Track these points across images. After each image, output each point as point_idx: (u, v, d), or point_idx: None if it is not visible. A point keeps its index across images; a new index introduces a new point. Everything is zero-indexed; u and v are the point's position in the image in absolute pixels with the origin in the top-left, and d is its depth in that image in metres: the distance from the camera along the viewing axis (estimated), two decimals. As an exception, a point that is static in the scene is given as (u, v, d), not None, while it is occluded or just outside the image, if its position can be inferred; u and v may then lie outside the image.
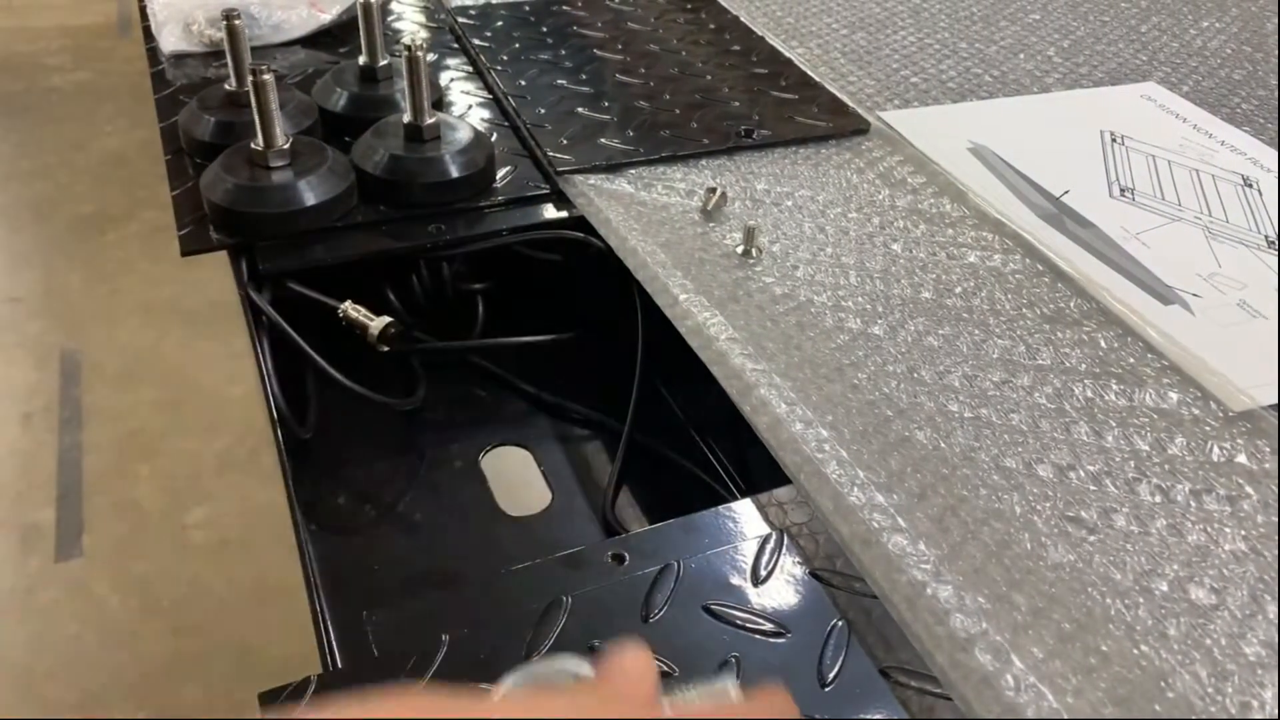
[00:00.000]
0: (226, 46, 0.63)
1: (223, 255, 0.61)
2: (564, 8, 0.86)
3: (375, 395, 0.58)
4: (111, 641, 1.41)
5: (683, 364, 0.53)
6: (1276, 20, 0.89)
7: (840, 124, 0.71)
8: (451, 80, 0.76)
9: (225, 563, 1.53)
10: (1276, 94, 0.77)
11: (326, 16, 0.81)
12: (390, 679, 0.37)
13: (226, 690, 1.35)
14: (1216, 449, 0.47)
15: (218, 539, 1.57)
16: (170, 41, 0.78)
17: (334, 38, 0.80)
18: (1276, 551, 0.42)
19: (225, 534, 1.57)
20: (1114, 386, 0.50)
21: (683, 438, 0.65)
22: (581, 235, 0.61)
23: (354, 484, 0.60)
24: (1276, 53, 0.83)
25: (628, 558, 0.43)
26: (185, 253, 0.58)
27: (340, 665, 0.42)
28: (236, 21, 0.62)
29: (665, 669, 0.37)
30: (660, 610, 0.40)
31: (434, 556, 0.58)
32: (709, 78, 0.76)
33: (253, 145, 0.59)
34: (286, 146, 0.59)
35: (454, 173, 0.61)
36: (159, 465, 1.69)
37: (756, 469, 0.62)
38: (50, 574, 1.50)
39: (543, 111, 0.70)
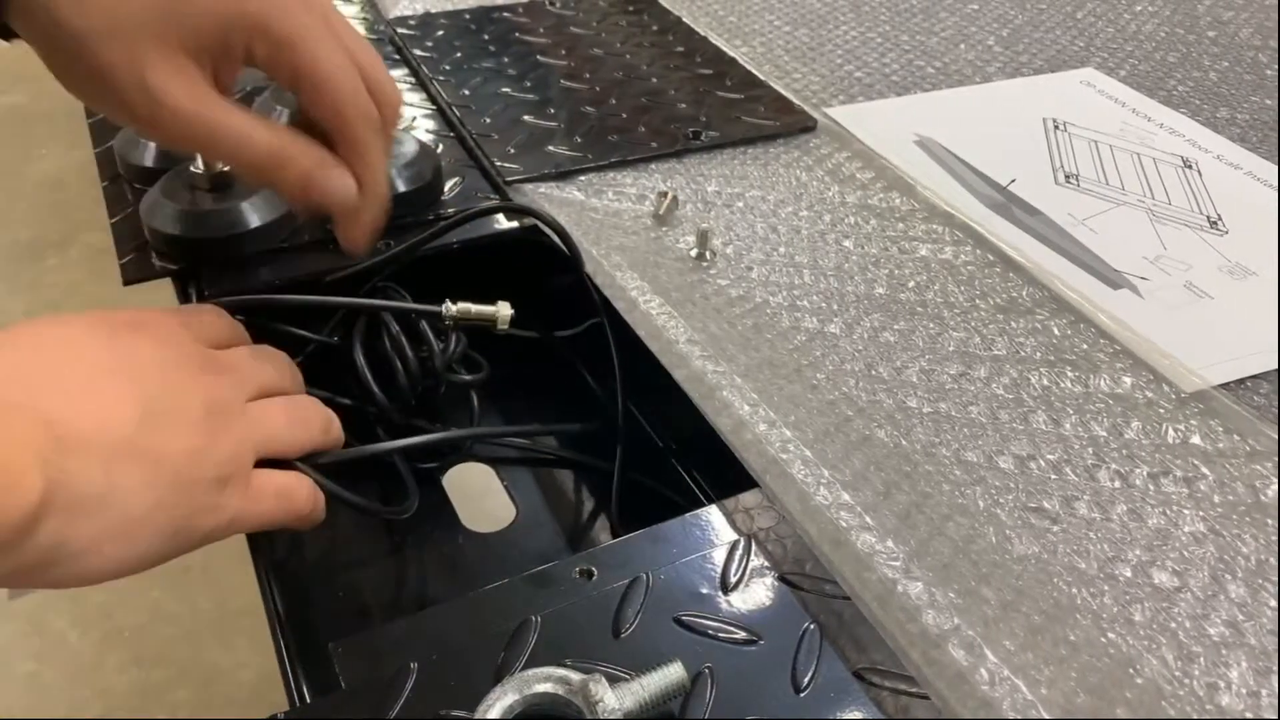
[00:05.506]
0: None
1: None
2: (505, 15, 0.86)
3: (362, 501, 0.50)
4: (72, 677, 1.38)
5: (637, 367, 0.53)
6: (1276, 23, 0.91)
7: (787, 122, 0.71)
8: (394, 92, 0.75)
9: (187, 589, 1.50)
10: (1278, 103, 0.78)
11: (263, 32, 0.79)
12: (359, 712, 0.36)
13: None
14: (1171, 431, 0.48)
15: (179, 565, 1.52)
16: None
17: (271, 53, 0.79)
18: (1237, 533, 0.43)
19: (186, 559, 1.54)
20: (1069, 373, 0.51)
21: (648, 447, 0.65)
22: (536, 222, 0.59)
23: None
24: (1277, 58, 0.84)
25: (596, 572, 0.42)
26: (127, 282, 0.57)
27: (307, 699, 0.41)
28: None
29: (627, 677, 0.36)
30: (631, 625, 0.40)
31: (398, 578, 0.57)
32: (654, 80, 0.75)
33: (192, 169, 0.57)
34: (227, 169, 0.58)
35: (401, 186, 0.60)
36: (113, 493, 1.65)
37: (721, 474, 0.61)
38: (3, 611, 1.46)
39: (488, 121, 0.70)
